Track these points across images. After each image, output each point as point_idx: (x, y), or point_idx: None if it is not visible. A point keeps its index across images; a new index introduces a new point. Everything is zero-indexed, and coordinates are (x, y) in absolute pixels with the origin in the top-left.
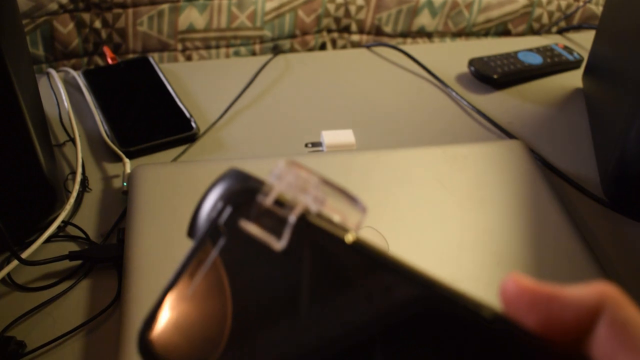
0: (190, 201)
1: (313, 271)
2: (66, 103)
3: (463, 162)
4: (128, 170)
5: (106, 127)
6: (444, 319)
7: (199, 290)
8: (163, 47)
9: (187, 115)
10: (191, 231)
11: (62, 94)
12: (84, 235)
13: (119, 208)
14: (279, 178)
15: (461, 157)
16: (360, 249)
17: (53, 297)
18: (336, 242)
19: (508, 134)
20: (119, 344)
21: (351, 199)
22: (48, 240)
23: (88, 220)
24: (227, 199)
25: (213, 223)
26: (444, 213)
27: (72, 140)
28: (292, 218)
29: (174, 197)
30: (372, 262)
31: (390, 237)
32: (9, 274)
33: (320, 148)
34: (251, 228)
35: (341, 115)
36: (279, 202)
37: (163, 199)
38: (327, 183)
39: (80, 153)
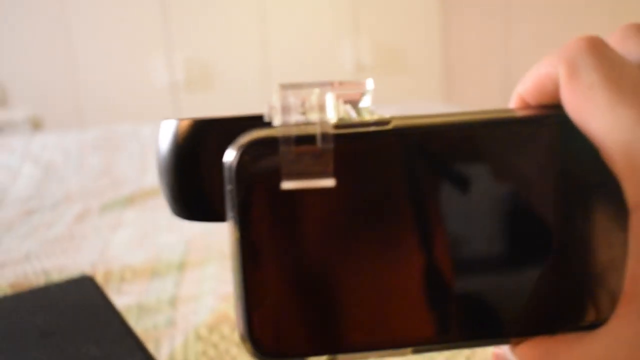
0: None
1: (375, 181)
2: None
3: None
4: None
5: None
6: (494, 140)
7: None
8: None
9: None
10: (212, 214)
11: None
12: None
13: None
14: (285, 110)
15: None
16: (402, 128)
17: None
18: (377, 135)
19: None
20: None
21: (355, 84)
22: None
23: None
24: (249, 165)
25: (245, 199)
26: None
27: None
28: (327, 148)
29: None
30: (420, 134)
31: None
32: None
33: None
34: (293, 184)
35: None
36: (301, 138)
37: None
38: (328, 85)
39: None
